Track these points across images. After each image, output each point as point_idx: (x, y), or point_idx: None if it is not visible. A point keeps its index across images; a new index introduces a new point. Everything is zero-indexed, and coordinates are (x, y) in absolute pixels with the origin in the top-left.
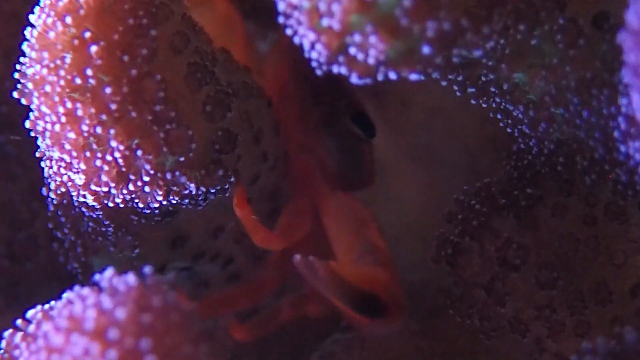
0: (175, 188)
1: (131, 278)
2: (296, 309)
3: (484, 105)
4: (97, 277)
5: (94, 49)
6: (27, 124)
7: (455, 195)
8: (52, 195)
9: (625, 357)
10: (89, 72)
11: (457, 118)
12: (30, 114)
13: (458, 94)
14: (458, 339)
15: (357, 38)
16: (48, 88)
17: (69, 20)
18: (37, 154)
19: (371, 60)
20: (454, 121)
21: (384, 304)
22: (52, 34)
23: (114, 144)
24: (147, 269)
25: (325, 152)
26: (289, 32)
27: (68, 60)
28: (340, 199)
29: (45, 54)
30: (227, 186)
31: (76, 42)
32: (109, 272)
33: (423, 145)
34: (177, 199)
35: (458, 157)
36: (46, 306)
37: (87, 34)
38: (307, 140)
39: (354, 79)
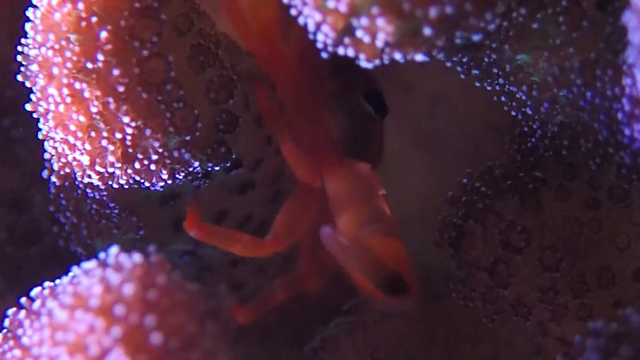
0: (179, 166)
1: (136, 256)
2: (289, 290)
3: (488, 88)
4: (102, 255)
5: (103, 33)
6: (28, 106)
7: (458, 179)
8: (53, 177)
9: (628, 339)
10: (97, 54)
11: (460, 103)
12: (32, 95)
13: (462, 76)
14: (461, 322)
15: (364, 19)
16: (53, 69)
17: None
18: (40, 136)
19: (378, 43)
20: (457, 106)
21: (407, 283)
22: (57, 15)
23: (125, 121)
24: (151, 248)
25: (335, 124)
26: (293, 12)
27: (74, 41)
28: (349, 164)
29: (51, 36)
30: (229, 165)
31: (83, 23)
32: (114, 249)
33: (427, 131)
34: (182, 177)
35: (462, 142)
36: (51, 284)
37: (94, 17)
38: (318, 110)
39: (363, 63)
